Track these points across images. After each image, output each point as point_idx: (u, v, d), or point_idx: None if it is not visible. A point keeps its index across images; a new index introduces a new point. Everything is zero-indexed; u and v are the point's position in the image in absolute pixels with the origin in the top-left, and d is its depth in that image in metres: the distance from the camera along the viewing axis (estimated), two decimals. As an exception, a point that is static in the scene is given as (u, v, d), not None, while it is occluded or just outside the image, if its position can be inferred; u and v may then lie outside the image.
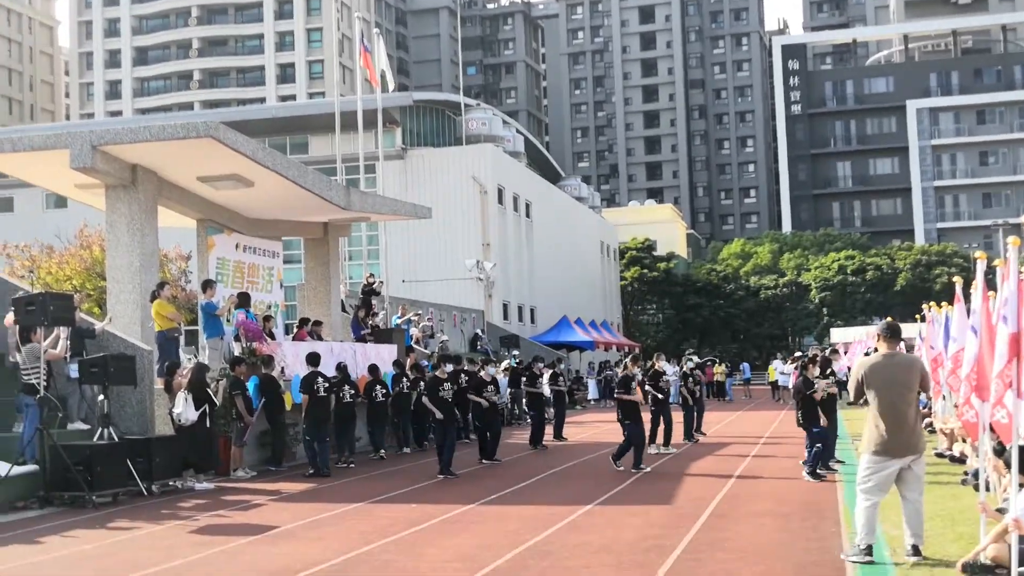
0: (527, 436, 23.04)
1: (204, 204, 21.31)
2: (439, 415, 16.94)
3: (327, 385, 18.17)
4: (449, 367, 18.26)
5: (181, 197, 20.52)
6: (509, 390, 29.69)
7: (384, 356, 23.73)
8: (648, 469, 16.84)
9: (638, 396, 17.26)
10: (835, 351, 20.69)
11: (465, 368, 23.79)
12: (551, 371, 25.55)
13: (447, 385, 17.36)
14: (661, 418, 20.19)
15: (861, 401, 9.41)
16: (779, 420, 29.92)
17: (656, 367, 20.39)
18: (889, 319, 9.75)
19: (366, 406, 21.10)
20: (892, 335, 9.33)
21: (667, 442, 20.13)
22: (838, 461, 16.34)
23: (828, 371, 16.27)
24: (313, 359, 18.37)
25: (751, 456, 19.43)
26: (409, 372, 22.86)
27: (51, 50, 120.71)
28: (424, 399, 17.46)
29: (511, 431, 26.75)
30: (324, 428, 17.86)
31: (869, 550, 9.05)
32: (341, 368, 19.62)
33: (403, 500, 14.28)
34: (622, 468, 16.78)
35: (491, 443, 19.05)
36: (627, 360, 18.34)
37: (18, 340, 15.05)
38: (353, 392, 19.66)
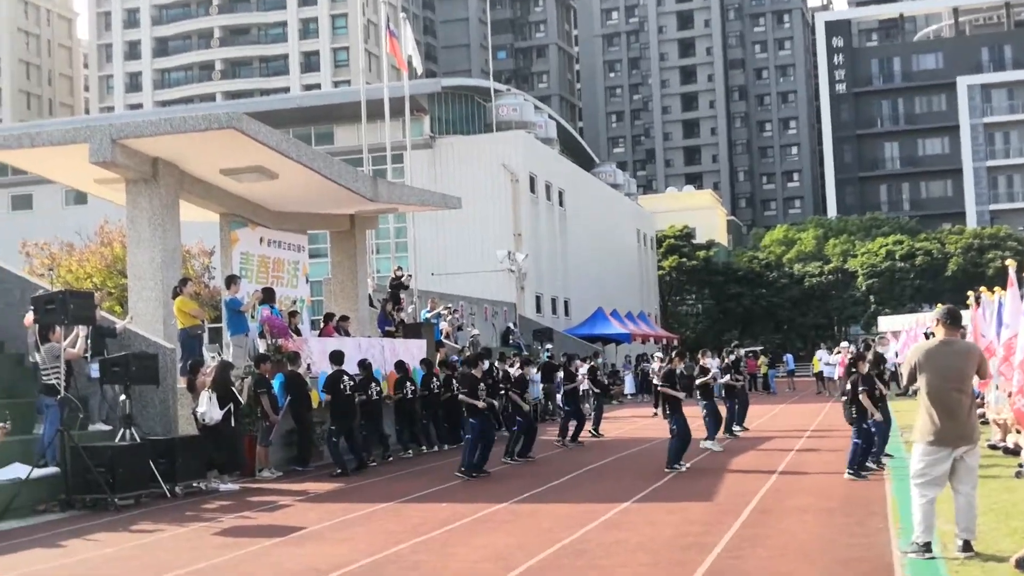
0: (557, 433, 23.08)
1: (227, 197, 21.44)
2: (481, 405, 16.90)
3: (352, 384, 18.28)
4: (532, 369, 19.12)
5: (203, 191, 20.66)
6: (541, 386, 29.69)
7: (413, 351, 23.79)
8: (686, 468, 16.76)
9: (681, 393, 17.30)
10: (883, 338, 20.54)
11: (495, 364, 23.98)
12: (588, 365, 25.53)
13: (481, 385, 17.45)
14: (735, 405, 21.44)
15: (912, 390, 9.33)
16: (824, 413, 29.73)
17: (702, 364, 20.34)
18: (948, 306, 9.62)
19: (394, 404, 21.19)
20: (952, 321, 9.22)
21: (711, 435, 20.09)
22: (886, 455, 16.21)
23: (881, 366, 16.11)
24: (337, 357, 18.46)
25: (795, 450, 19.34)
26: (439, 369, 22.98)
27: (69, 43, 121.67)
28: (462, 396, 17.35)
29: (543, 428, 26.75)
30: (350, 426, 18.06)
31: (928, 547, 8.96)
32: (365, 366, 19.72)
33: (433, 499, 14.34)
34: (686, 466, 16.73)
35: (526, 440, 19.10)
36: (673, 354, 18.44)
37: (37, 339, 15.22)
38: (379, 390, 19.77)
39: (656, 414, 29.46)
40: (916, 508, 9.05)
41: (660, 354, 19.41)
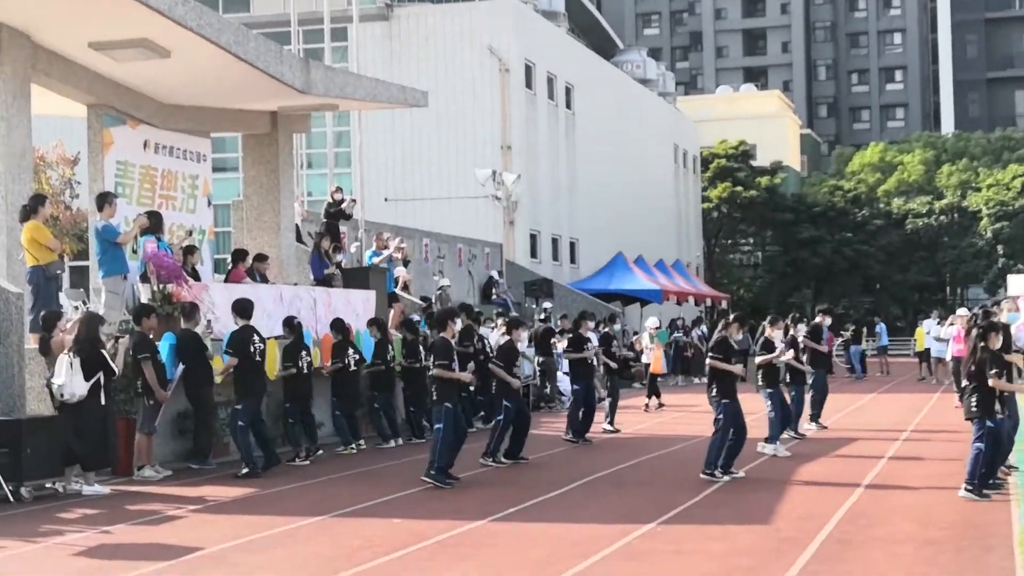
0: (561, 424, 23.13)
1: (99, 82, 21.28)
2: (467, 378, 17.59)
3: (263, 348, 18.29)
4: (524, 334, 20.00)
5: (66, 72, 20.48)
6: (537, 359, 29.76)
7: (356, 307, 23.78)
8: (732, 477, 16.84)
9: (738, 368, 17.34)
10: (1008, 302, 20.52)
11: (472, 325, 24.10)
12: (602, 332, 25.54)
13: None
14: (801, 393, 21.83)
15: None
16: (930, 407, 29.88)
17: (768, 335, 20.39)
18: None
19: (331, 379, 21.26)
20: None
21: (774, 436, 20.16)
22: (1010, 467, 16.30)
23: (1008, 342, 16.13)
24: (243, 308, 18.44)
25: (886, 458, 19.44)
26: (397, 332, 23.05)
27: None
28: (498, 370, 18.90)
29: (539, 418, 26.85)
30: (259, 407, 18.19)
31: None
32: (293, 326, 19.71)
33: (383, 512, 14.38)
34: (740, 474, 16.86)
35: (516, 434, 19.16)
36: (730, 318, 18.54)
37: None
38: (310, 360, 19.78)
39: (652, 407, 29.72)
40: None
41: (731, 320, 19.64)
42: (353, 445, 20.90)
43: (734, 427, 16.96)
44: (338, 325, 21.52)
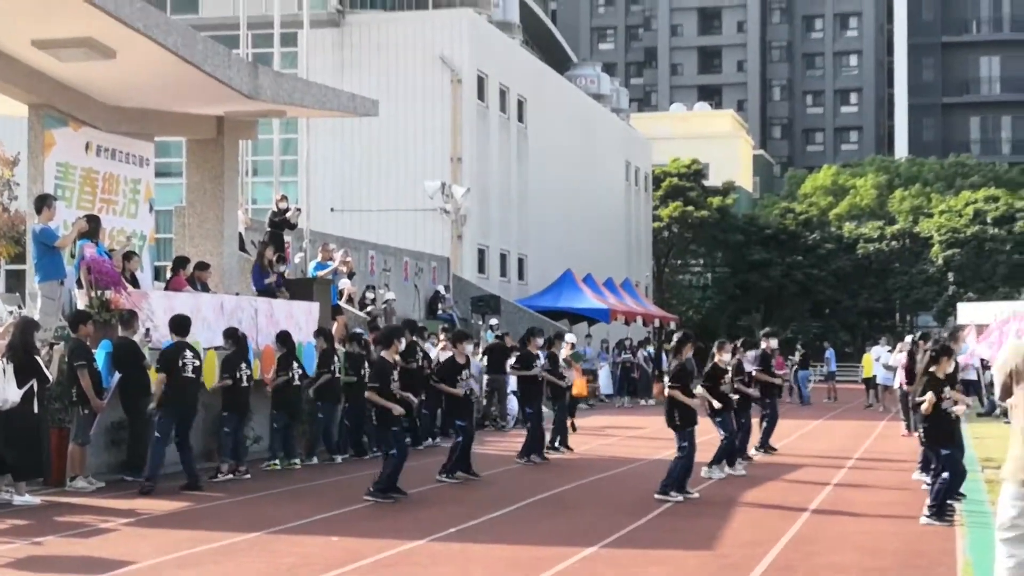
0: (512, 443, 23.15)
1: (41, 82, 21.15)
2: (398, 411, 16.98)
3: (198, 364, 18.21)
4: (468, 347, 20.51)
5: (7, 70, 20.35)
6: (486, 377, 29.78)
7: (301, 319, 23.73)
8: (684, 498, 16.91)
9: (694, 401, 17.66)
10: (956, 332, 20.65)
11: (416, 341, 24.15)
12: (548, 352, 25.51)
13: (465, 372, 19.30)
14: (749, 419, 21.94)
15: (1002, 408, 9.44)
16: (876, 434, 30.10)
17: (717, 361, 20.45)
18: None
19: (272, 394, 21.21)
20: None
21: (717, 459, 20.28)
22: (958, 495, 16.45)
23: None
24: (180, 325, 18.34)
25: (832, 484, 19.57)
26: (341, 346, 23.04)
27: None
28: (440, 384, 19.72)
29: (483, 436, 26.86)
30: (188, 423, 18.14)
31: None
32: (237, 337, 19.67)
33: (321, 530, 14.35)
34: (693, 494, 17.01)
35: (463, 450, 19.24)
36: (677, 340, 18.75)
37: None
38: (249, 372, 19.73)
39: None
40: (1001, 571, 9.17)
41: (715, 349, 20.11)
42: (296, 460, 20.88)
43: (689, 454, 17.12)
44: (283, 338, 21.46)
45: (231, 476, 19.05)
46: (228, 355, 19.62)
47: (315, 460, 21.77)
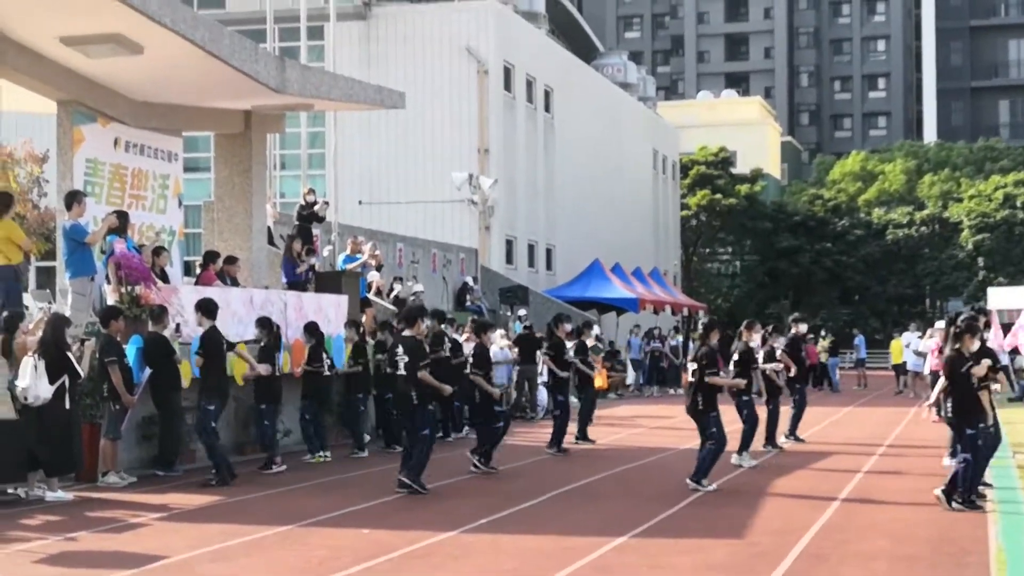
0: (542, 434, 23.17)
1: (70, 78, 21.21)
2: (448, 391, 17.79)
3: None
4: (494, 336, 21.43)
5: (35, 67, 20.40)
6: (517, 368, 29.82)
7: (330, 312, 23.77)
8: (714, 488, 16.90)
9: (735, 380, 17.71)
10: (980, 314, 20.47)
11: (444, 331, 24.15)
12: (577, 341, 25.47)
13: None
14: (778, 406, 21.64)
15: None
16: (907, 420, 30.00)
17: (746, 340, 20.49)
18: None
19: (303, 385, 21.29)
20: None
21: (745, 446, 20.27)
22: (986, 485, 16.36)
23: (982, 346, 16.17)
24: (208, 307, 18.46)
25: (862, 472, 19.51)
26: (371, 338, 23.07)
27: None
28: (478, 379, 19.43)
29: (513, 427, 26.86)
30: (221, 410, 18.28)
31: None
32: (267, 325, 19.74)
33: (352, 523, 14.39)
34: (713, 487, 17.02)
35: (487, 442, 19.27)
36: (742, 327, 18.87)
37: None
38: (281, 364, 19.79)
39: None
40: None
41: (744, 329, 20.39)
42: (321, 454, 20.90)
43: (720, 439, 17.11)
44: (312, 329, 21.51)
45: (283, 468, 19.15)
46: (266, 344, 19.74)
47: (365, 452, 21.79)
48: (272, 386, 19.64)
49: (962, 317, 17.58)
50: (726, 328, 19.19)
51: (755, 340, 20.85)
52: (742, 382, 18.80)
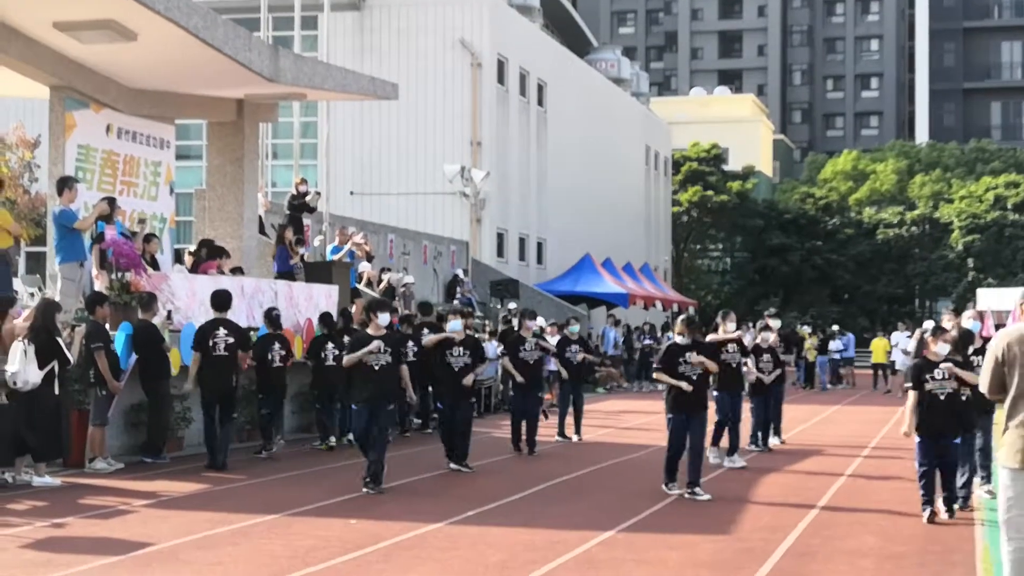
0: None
1: (62, 64, 21.19)
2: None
3: (231, 341, 18.24)
4: (535, 324, 21.87)
5: (27, 52, 20.38)
6: (500, 361, 29.70)
7: (320, 301, 23.77)
8: (708, 497, 16.74)
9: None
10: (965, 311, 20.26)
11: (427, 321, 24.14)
12: (560, 336, 25.32)
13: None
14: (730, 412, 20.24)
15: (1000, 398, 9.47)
16: (895, 420, 30.02)
17: (724, 330, 20.15)
18: None
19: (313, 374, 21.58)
20: None
21: (733, 450, 20.18)
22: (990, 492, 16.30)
23: (971, 352, 16.10)
24: (221, 300, 18.48)
25: (846, 475, 19.53)
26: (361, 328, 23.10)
27: None
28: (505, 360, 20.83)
29: (498, 420, 26.87)
30: (215, 402, 18.31)
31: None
32: (273, 317, 19.83)
33: (339, 512, 14.40)
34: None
35: (459, 439, 18.77)
36: (718, 318, 19.08)
37: None
38: (284, 353, 19.83)
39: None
40: (1004, 560, 9.24)
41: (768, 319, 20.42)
42: (331, 440, 21.12)
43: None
44: (326, 320, 22.16)
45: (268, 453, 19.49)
46: (263, 336, 20.07)
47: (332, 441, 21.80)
48: (268, 378, 19.80)
49: (932, 325, 17.52)
50: (700, 327, 18.34)
51: (730, 328, 20.35)
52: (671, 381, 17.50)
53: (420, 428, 24.41)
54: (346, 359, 16.32)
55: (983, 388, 9.61)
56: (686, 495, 15.88)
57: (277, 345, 19.85)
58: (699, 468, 16.23)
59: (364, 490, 15.84)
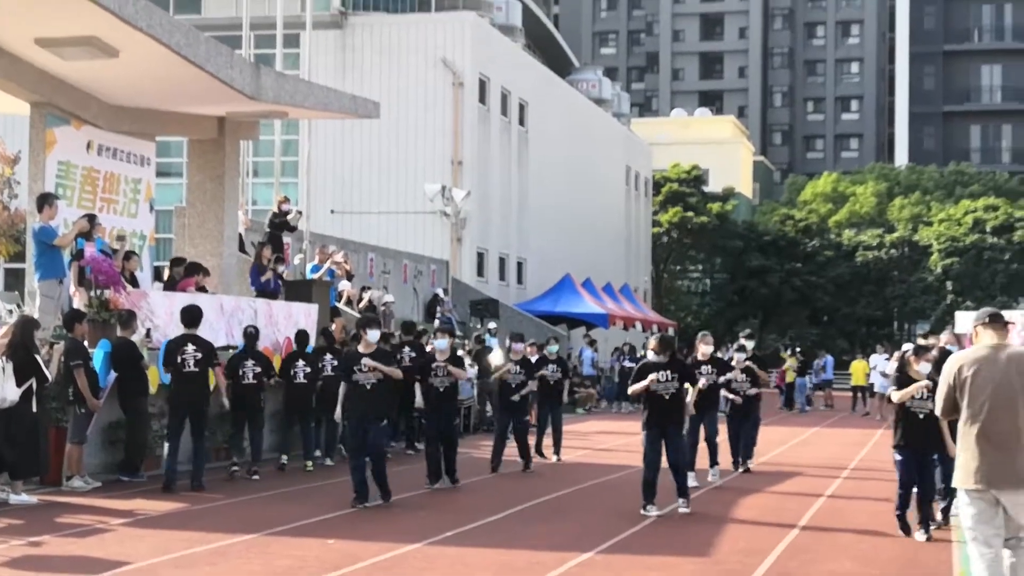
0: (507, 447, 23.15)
1: (43, 80, 21.17)
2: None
3: (200, 357, 18.16)
4: (521, 347, 21.47)
5: (8, 68, 20.37)
6: (476, 380, 29.68)
7: (300, 320, 23.73)
8: (687, 510, 16.80)
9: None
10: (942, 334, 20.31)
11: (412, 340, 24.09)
12: (539, 356, 25.28)
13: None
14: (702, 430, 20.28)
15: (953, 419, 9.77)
16: (873, 443, 30.09)
17: (700, 352, 20.29)
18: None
19: (284, 392, 21.49)
20: (995, 321, 9.86)
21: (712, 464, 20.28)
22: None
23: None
24: (191, 316, 18.42)
25: (825, 496, 19.56)
26: (341, 347, 23.05)
27: None
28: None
29: (478, 440, 26.88)
30: (184, 421, 18.17)
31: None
32: (250, 335, 19.78)
33: (317, 532, 14.36)
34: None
35: (447, 454, 19.07)
36: (697, 339, 18.90)
37: None
38: (258, 371, 19.75)
39: None
40: (976, 568, 9.42)
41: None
42: (310, 462, 21.08)
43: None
44: (301, 337, 21.91)
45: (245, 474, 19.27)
46: (238, 352, 19.90)
47: (332, 462, 21.75)
48: (241, 395, 19.66)
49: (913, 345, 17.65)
50: (673, 345, 18.23)
51: (706, 351, 20.48)
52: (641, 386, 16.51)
53: (406, 447, 24.38)
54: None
55: (937, 411, 9.94)
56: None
57: (251, 362, 19.67)
58: (685, 484, 16.58)
59: (359, 505, 16.22)
